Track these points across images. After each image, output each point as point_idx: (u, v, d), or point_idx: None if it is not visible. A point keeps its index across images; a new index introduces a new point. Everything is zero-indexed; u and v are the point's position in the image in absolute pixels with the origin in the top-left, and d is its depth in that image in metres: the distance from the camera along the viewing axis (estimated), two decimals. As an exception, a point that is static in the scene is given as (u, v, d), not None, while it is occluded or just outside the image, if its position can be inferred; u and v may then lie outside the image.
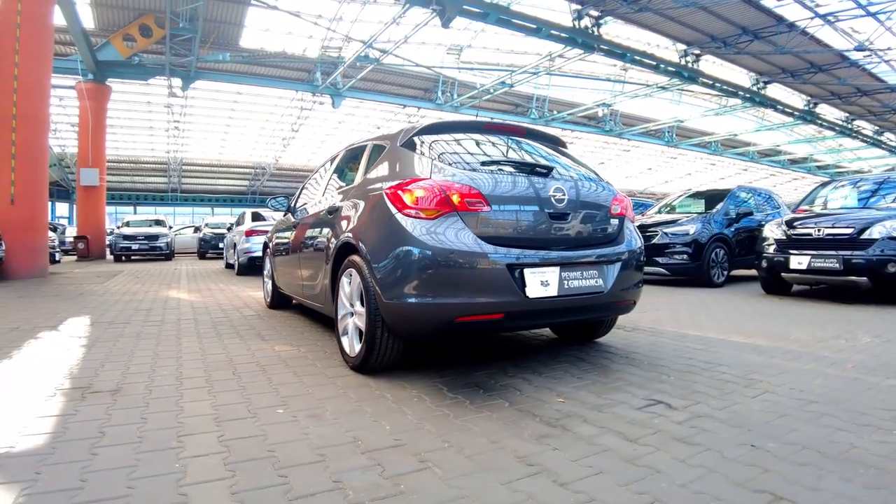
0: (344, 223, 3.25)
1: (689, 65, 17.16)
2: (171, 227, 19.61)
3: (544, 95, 24.85)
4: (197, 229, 23.32)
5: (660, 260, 7.50)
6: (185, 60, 17.46)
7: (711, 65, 18.87)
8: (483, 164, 2.97)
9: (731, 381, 2.74)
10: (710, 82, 18.40)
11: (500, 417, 2.27)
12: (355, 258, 2.99)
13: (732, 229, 7.75)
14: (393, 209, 2.72)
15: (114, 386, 2.80)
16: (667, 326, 4.36)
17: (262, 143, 32.24)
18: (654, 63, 16.60)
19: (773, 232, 6.26)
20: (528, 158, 3.24)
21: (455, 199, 2.65)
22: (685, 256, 7.38)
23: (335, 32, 17.70)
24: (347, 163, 4.05)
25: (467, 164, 2.91)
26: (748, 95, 20.18)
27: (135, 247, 16.53)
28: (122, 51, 16.26)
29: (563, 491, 1.62)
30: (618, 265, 2.99)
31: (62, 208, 36.48)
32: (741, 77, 19.95)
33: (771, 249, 6.16)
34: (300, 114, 27.00)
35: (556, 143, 3.58)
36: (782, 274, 6.07)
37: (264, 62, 19.76)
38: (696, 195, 8.96)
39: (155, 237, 16.86)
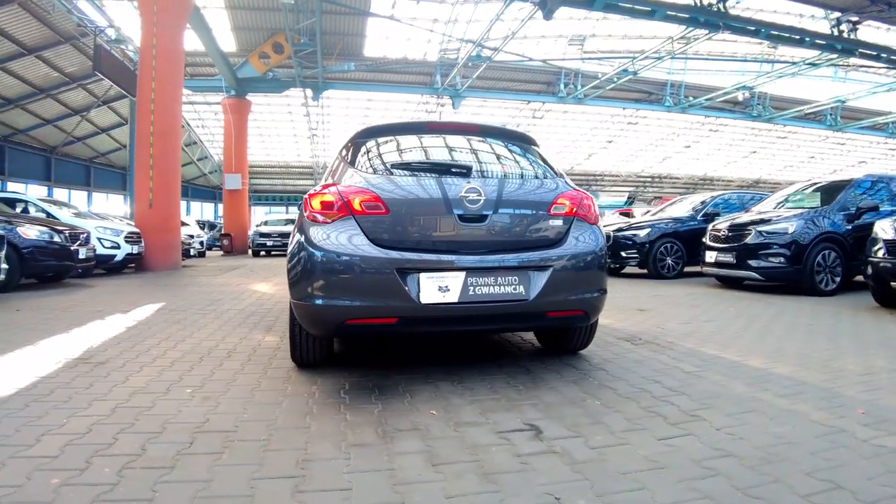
0: None
1: (845, 35, 14.44)
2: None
3: (678, 81, 22.76)
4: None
5: (752, 263, 6.46)
6: (313, 72, 19.14)
7: (875, 31, 15.71)
8: (394, 166, 2.89)
9: (667, 415, 2.25)
10: (874, 52, 15.27)
11: (355, 422, 2.19)
12: None
13: (849, 227, 6.38)
14: (303, 213, 2.77)
15: (103, 359, 3.28)
16: (689, 342, 3.76)
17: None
18: (798, 37, 14.25)
19: (884, 231, 5.05)
20: (450, 159, 3.04)
21: (353, 203, 2.62)
22: (782, 259, 6.27)
23: (450, 37, 18.13)
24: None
25: (379, 168, 2.87)
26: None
27: (269, 243, 18.58)
28: (258, 67, 18.36)
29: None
30: (548, 272, 2.66)
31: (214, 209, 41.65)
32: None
33: (880, 253, 4.99)
34: (426, 117, 28.12)
35: (514, 140, 3.30)
36: (892, 283, 4.89)
37: (386, 69, 20.91)
38: (816, 187, 7.55)
39: (288, 234, 18.76)
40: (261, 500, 1.55)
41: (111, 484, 1.63)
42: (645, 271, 8.81)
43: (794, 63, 18.57)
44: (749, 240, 6.51)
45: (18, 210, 9.02)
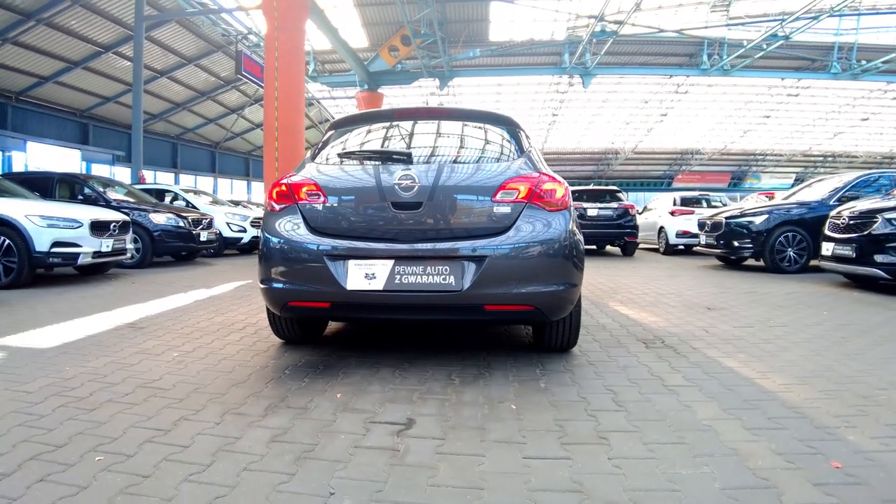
0: None
1: None
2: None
3: (848, 42, 19.00)
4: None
5: (877, 258, 5.23)
6: (439, 61, 19.57)
7: None
8: (340, 156, 2.91)
9: (572, 432, 1.93)
10: None
11: (267, 394, 2.35)
12: None
13: None
14: (267, 203, 2.94)
15: (145, 325, 3.87)
16: (717, 350, 3.16)
17: (530, 130, 33.51)
18: None
19: None
20: (404, 146, 2.95)
21: (298, 193, 2.73)
22: (922, 256, 4.98)
23: (577, 15, 17.25)
24: None
25: (331, 158, 2.93)
26: None
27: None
28: (388, 60, 19.26)
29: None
30: (483, 262, 2.47)
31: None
32: None
33: None
34: (561, 97, 27.22)
35: (487, 122, 3.07)
36: None
37: (513, 52, 20.59)
38: None
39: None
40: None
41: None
42: (762, 263, 7.62)
43: None
44: (875, 229, 5.25)
45: (168, 200, 10.72)
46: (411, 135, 3.02)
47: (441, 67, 20.49)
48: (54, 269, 6.33)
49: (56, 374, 2.66)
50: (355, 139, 3.07)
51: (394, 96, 26.39)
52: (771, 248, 7.25)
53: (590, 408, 2.18)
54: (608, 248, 12.88)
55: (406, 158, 2.75)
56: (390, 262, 2.50)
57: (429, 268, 2.48)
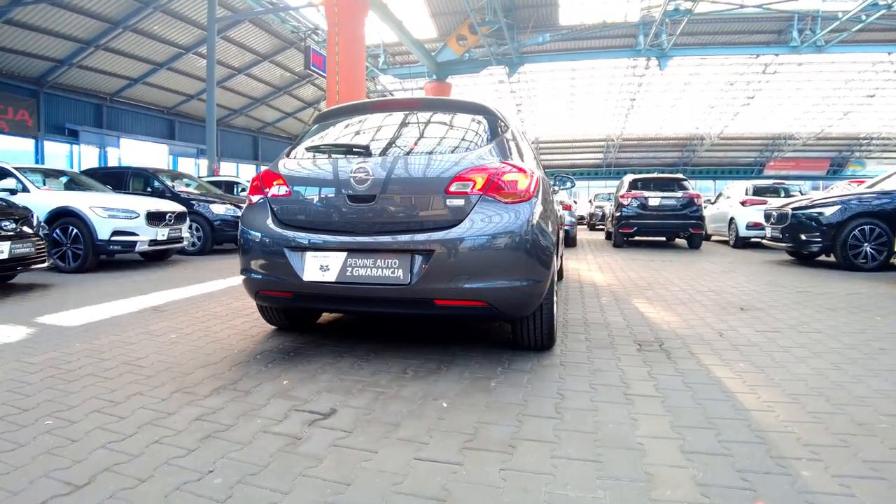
0: None
1: None
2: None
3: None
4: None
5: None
6: (506, 48, 19.23)
7: None
8: (307, 149, 2.97)
9: (482, 444, 1.89)
10: None
11: (228, 375, 2.45)
12: None
13: None
14: (247, 196, 3.07)
15: (166, 308, 4.20)
16: (717, 357, 2.89)
17: (607, 115, 32.22)
18: None
19: None
20: (364, 139, 2.92)
21: (268, 186, 2.83)
22: None
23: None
24: None
25: (302, 152, 2.99)
26: None
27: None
28: (456, 50, 19.23)
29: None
30: (431, 256, 2.41)
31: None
32: None
33: None
34: (639, 81, 25.89)
35: (460, 111, 2.98)
36: None
37: (585, 35, 19.81)
38: None
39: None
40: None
41: None
42: (833, 259, 6.85)
43: None
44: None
45: (237, 191, 11.42)
46: (379, 127, 3.00)
47: (509, 54, 20.14)
48: (116, 256, 6.96)
49: (64, 349, 2.95)
50: (331, 132, 3.10)
51: (464, 85, 26.34)
52: (843, 242, 6.48)
53: (524, 412, 2.08)
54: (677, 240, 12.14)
55: (364, 151, 2.75)
56: (343, 255, 2.53)
57: (379, 261, 2.48)
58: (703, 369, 2.69)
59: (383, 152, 2.76)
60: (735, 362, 2.81)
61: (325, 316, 3.79)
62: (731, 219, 10.60)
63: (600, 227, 18.58)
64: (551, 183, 5.03)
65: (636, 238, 11.16)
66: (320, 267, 2.54)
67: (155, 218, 6.51)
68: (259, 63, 21.00)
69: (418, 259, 2.44)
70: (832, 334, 3.43)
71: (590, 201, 23.47)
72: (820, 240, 6.70)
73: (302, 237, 2.63)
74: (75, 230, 5.99)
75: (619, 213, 10.46)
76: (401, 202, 2.55)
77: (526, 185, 2.54)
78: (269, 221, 2.75)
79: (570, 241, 10.85)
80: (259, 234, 2.76)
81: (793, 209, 7.08)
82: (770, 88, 26.59)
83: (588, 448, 1.77)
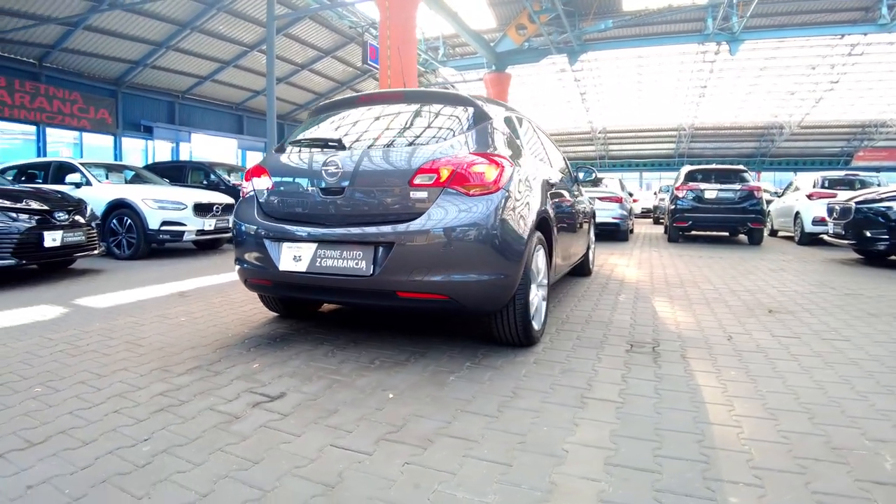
0: None
1: None
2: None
3: None
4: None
5: None
6: (566, 36, 18.71)
7: None
8: (291, 143, 3.07)
9: (401, 438, 1.90)
10: None
11: (209, 356, 2.59)
12: None
13: None
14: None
15: (191, 294, 4.49)
16: (712, 362, 2.73)
17: (678, 104, 30.65)
18: None
19: None
20: (343, 132, 2.97)
21: (255, 179, 2.98)
22: None
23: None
24: None
25: (287, 146, 3.09)
26: None
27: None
28: (515, 39, 18.91)
29: None
30: (391, 248, 2.44)
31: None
32: None
33: None
34: (710, 67, 24.42)
35: (441, 101, 2.99)
36: None
37: (649, 20, 18.91)
38: None
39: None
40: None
41: None
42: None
43: None
44: None
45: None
46: (362, 121, 3.04)
47: (570, 42, 19.56)
48: (168, 245, 7.48)
49: (84, 327, 3.25)
50: (320, 127, 3.18)
51: (526, 75, 25.92)
52: (915, 241, 5.85)
53: (465, 409, 2.05)
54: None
55: (338, 144, 2.82)
56: (314, 246, 2.62)
57: (345, 252, 2.54)
58: (686, 376, 2.54)
59: (354, 145, 2.81)
60: (727, 369, 2.63)
61: (327, 305, 3.90)
62: (797, 213, 9.80)
63: (663, 220, 17.74)
64: (573, 174, 4.88)
65: (695, 233, 10.56)
66: (293, 257, 2.64)
67: (202, 209, 6.94)
68: (321, 59, 21.69)
69: (380, 251, 2.47)
70: (860, 343, 3.12)
71: (654, 193, 22.44)
72: (887, 237, 6.07)
73: (280, 228, 2.75)
74: (129, 220, 6.51)
75: (673, 207, 9.96)
76: (368, 195, 2.60)
77: (494, 176, 2.50)
78: (255, 213, 2.89)
79: (622, 236, 10.45)
80: (246, 226, 2.90)
81: (857, 203, 6.45)
82: (857, 72, 24.18)
83: (506, 451, 1.72)
